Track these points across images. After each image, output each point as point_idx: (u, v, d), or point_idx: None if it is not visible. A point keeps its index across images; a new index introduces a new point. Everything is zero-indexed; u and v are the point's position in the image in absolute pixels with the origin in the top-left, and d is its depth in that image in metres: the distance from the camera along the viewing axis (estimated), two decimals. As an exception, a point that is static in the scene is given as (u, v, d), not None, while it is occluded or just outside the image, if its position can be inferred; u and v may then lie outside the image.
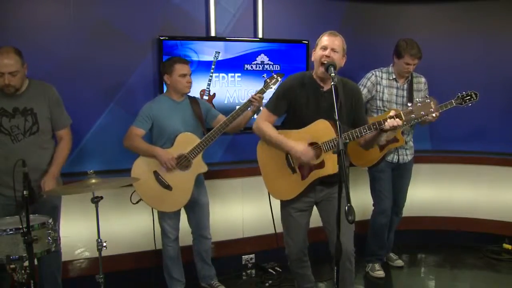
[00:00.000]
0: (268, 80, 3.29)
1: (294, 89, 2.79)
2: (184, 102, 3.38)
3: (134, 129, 3.26)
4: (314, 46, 2.81)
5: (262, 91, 3.26)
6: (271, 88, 3.27)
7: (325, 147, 2.70)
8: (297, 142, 2.73)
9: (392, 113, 2.55)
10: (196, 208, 3.44)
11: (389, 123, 2.53)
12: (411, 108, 2.53)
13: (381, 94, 3.76)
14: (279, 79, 3.27)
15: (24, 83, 2.95)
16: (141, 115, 3.28)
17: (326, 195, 2.85)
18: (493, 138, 4.58)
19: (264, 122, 2.86)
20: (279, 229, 3.10)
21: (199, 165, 3.28)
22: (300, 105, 2.78)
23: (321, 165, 2.73)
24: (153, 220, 3.40)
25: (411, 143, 3.91)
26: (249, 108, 3.27)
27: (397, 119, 2.52)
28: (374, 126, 2.62)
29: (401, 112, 2.54)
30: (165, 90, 3.52)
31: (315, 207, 2.95)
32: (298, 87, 2.79)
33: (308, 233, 2.98)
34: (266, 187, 2.95)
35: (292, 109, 2.82)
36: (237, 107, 3.29)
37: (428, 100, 2.51)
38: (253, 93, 3.27)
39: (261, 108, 3.18)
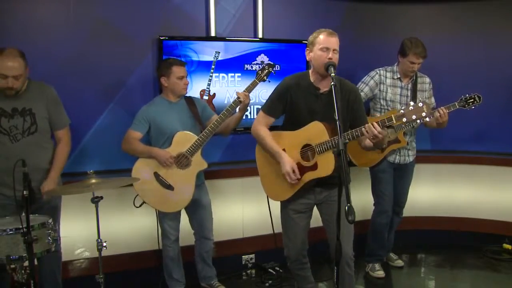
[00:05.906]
0: (259, 71, 3.27)
1: (290, 91, 2.78)
2: (180, 103, 3.38)
3: (132, 132, 3.27)
4: (307, 45, 2.76)
5: (254, 83, 3.24)
6: (264, 79, 3.26)
7: (318, 149, 2.70)
8: (288, 158, 2.73)
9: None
10: (198, 209, 3.44)
11: (368, 129, 2.54)
12: (402, 111, 2.52)
13: (384, 93, 3.73)
14: (271, 70, 3.26)
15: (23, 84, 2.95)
16: (138, 118, 3.29)
17: (326, 197, 2.84)
18: (493, 138, 4.57)
19: (261, 127, 2.86)
20: (278, 229, 3.10)
21: (198, 162, 3.27)
22: (296, 107, 2.78)
23: (314, 167, 2.73)
24: (157, 220, 3.40)
25: (413, 144, 3.89)
26: (237, 109, 3.25)
27: (375, 129, 2.52)
28: (358, 132, 2.62)
29: (393, 116, 2.53)
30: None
31: (315, 209, 2.94)
32: (294, 89, 2.78)
33: (308, 234, 2.97)
34: (263, 188, 2.97)
35: (288, 111, 2.83)
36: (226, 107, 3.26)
37: (421, 104, 2.48)
38: (241, 92, 3.24)
39: (248, 108, 3.17)
